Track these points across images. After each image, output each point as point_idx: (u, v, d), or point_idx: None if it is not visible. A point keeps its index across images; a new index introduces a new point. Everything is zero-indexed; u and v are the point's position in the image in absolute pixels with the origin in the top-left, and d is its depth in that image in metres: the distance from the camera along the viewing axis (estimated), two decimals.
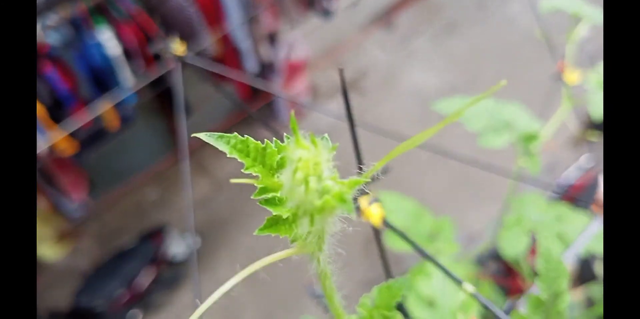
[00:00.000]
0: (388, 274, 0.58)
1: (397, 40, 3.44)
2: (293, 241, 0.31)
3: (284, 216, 0.29)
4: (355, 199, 0.54)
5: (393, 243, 1.12)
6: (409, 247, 1.09)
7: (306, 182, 0.25)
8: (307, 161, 0.25)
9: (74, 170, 2.25)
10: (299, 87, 3.09)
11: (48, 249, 2.59)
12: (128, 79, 1.96)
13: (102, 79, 1.90)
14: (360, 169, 0.31)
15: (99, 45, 1.77)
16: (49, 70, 1.71)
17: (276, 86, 2.95)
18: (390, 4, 3.46)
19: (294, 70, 2.89)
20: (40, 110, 1.77)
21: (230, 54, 2.36)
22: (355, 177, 0.29)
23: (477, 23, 3.50)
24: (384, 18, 3.46)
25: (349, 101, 0.51)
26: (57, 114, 1.85)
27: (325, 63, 3.42)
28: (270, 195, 0.29)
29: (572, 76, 0.79)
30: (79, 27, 1.77)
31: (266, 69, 2.71)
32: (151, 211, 3.09)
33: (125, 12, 1.86)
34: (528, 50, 3.07)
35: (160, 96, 2.31)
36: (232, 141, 0.31)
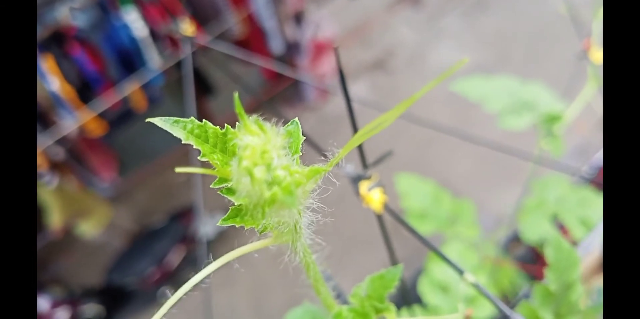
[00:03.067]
0: (393, 260, 0.57)
1: (425, 19, 3.37)
2: (262, 231, 0.29)
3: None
4: (356, 184, 0.52)
5: (414, 227, 1.10)
6: (427, 231, 1.08)
7: (250, 172, 0.22)
8: (254, 148, 0.23)
9: (104, 150, 2.29)
10: (325, 67, 3.06)
11: (82, 227, 2.66)
12: (154, 60, 1.97)
13: (129, 60, 1.91)
14: (325, 156, 0.28)
15: (125, 27, 1.77)
16: (77, 52, 1.73)
17: (302, 66, 2.93)
18: None
19: (320, 50, 2.86)
20: (70, 91, 1.79)
21: (255, 34, 2.34)
22: (318, 166, 0.27)
23: (507, 1, 3.39)
24: None
25: (345, 83, 0.49)
26: (86, 95, 1.88)
27: (351, 42, 3.37)
28: (230, 184, 0.27)
29: (598, 54, 0.75)
30: (105, 9, 1.77)
31: (292, 49, 2.68)
32: (180, 190, 3.13)
33: None
34: (558, 29, 2.97)
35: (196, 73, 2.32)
36: (189, 126, 0.28)
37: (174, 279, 2.90)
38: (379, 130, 0.26)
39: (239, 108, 0.24)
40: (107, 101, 1.93)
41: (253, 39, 2.36)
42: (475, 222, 1.11)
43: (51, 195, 2.27)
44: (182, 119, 0.29)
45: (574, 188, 0.96)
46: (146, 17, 1.83)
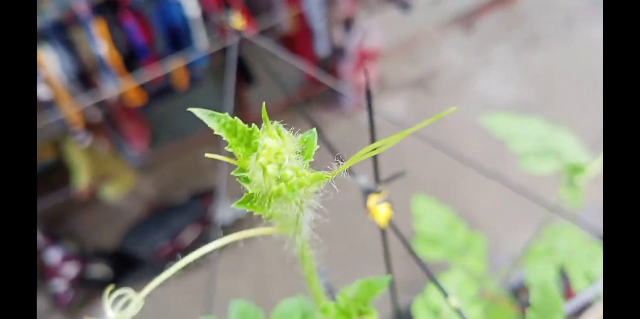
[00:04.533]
0: (389, 272, 0.57)
1: (475, 45, 3.32)
2: (268, 219, 0.33)
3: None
4: (365, 196, 0.53)
5: (422, 251, 1.08)
6: (435, 257, 1.06)
7: (264, 167, 0.27)
8: (270, 148, 0.27)
9: (139, 120, 2.34)
10: (368, 76, 3.05)
11: (106, 190, 2.71)
12: (202, 41, 2.00)
13: (178, 37, 1.95)
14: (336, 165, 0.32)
15: (178, 5, 1.81)
16: (129, 21, 1.77)
17: (344, 72, 2.93)
18: (474, 6, 3.33)
19: (365, 58, 2.86)
20: (116, 58, 1.84)
21: (303, 33, 2.35)
22: (326, 173, 0.30)
23: (560, 40, 3.32)
24: (465, 20, 3.35)
25: (372, 103, 0.50)
26: (131, 64, 1.92)
27: (397, 56, 3.36)
28: (247, 174, 0.31)
29: None
30: None
31: (337, 53, 2.69)
32: (207, 171, 3.16)
33: None
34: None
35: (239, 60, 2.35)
36: (222, 120, 0.32)
37: (185, 256, 2.91)
38: (382, 150, 0.30)
39: (264, 114, 0.29)
40: (150, 73, 1.97)
41: (300, 38, 2.37)
42: (483, 257, 1.08)
43: (82, 154, 2.33)
44: (217, 113, 0.32)
45: (585, 242, 0.93)
46: (200, 1, 1.87)
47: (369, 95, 0.49)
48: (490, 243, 1.21)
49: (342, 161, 0.32)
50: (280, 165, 0.27)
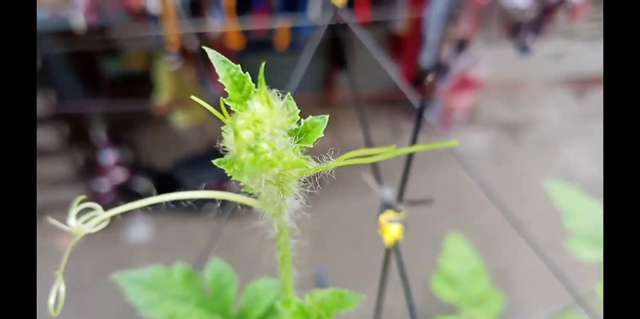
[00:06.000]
0: (380, 295, 0.54)
1: (579, 112, 3.11)
2: (245, 189, 0.30)
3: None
4: (382, 209, 0.50)
5: (438, 288, 1.03)
6: (451, 298, 1.01)
7: (238, 131, 0.24)
8: (254, 114, 0.24)
9: None
10: (461, 102, 2.94)
11: (178, 115, 2.81)
12: (315, 12, 2.00)
13: (295, 0, 1.96)
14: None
15: None
16: None
17: (439, 90, 2.84)
18: (594, 75, 3.11)
19: (465, 84, 2.75)
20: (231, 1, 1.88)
21: (413, 38, 2.29)
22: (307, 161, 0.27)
23: None
24: (579, 84, 3.13)
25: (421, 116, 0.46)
26: (243, 9, 1.96)
27: (497, 94, 3.21)
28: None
29: None
30: None
31: (438, 70, 2.60)
32: None
33: None
34: None
35: (334, 41, 2.34)
36: (232, 70, 0.29)
37: (223, 202, 2.96)
38: (375, 159, 0.26)
39: (261, 76, 0.27)
40: (257, 24, 2.00)
41: (409, 42, 2.31)
42: (495, 316, 1.01)
43: (168, 75, 2.42)
44: (231, 62, 0.29)
45: None
46: None
47: (421, 108, 0.45)
48: (507, 305, 1.13)
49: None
50: (257, 134, 0.25)
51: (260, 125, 0.24)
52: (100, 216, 0.29)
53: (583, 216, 0.86)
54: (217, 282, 0.45)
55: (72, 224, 0.27)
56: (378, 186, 0.54)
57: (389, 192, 0.52)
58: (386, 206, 0.51)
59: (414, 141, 0.46)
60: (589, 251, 0.82)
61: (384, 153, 0.25)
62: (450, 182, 2.95)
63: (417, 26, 2.23)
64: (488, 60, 2.65)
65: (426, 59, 2.41)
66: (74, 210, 0.28)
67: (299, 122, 0.27)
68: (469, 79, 2.70)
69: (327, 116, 0.28)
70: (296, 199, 0.30)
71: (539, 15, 2.18)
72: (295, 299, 0.37)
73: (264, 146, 0.24)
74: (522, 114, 3.16)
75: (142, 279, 0.42)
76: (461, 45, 2.48)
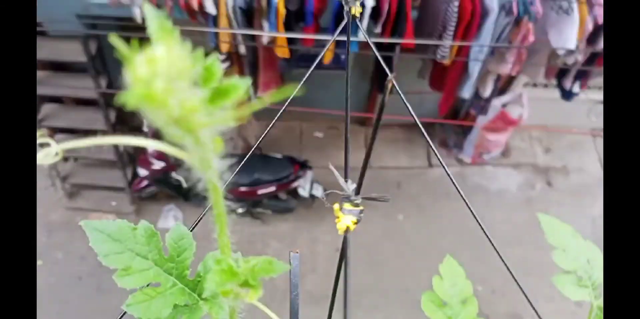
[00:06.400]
0: (336, 282, 0.56)
1: None
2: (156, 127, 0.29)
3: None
4: (341, 201, 0.52)
5: (425, 307, 1.03)
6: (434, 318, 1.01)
7: (134, 66, 0.25)
8: (154, 55, 0.25)
9: (275, 71, 2.44)
10: (496, 139, 2.91)
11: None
12: (362, 28, 2.04)
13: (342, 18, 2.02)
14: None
15: None
16: None
17: (477, 123, 2.83)
18: None
19: (504, 121, 2.73)
20: (282, 12, 1.95)
21: (457, 67, 2.30)
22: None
23: None
24: None
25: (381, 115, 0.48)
26: (293, 21, 2.03)
27: (536, 135, 3.16)
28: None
29: None
30: None
31: (476, 102, 2.60)
32: (310, 144, 3.25)
33: None
34: None
35: (379, 63, 2.38)
36: (164, 24, 0.28)
37: (252, 204, 2.98)
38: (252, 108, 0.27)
39: (165, 27, 0.27)
40: (305, 35, 2.06)
41: (452, 71, 2.32)
42: None
43: None
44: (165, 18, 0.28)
45: None
46: None
47: (381, 110, 0.47)
48: None
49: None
50: (153, 72, 0.25)
51: (158, 64, 0.25)
52: (54, 149, 0.33)
53: (575, 254, 0.85)
54: (176, 245, 0.46)
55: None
56: (340, 177, 0.56)
57: (350, 184, 0.55)
58: (345, 198, 0.54)
59: (373, 139, 0.48)
60: (575, 290, 0.81)
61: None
62: (480, 214, 2.88)
63: (461, 55, 2.24)
64: (530, 100, 2.62)
65: (465, 90, 2.41)
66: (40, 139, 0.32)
67: (208, 75, 0.29)
68: (508, 117, 2.68)
69: (250, 81, 0.30)
70: (224, 158, 0.31)
71: (589, 59, 2.15)
72: (228, 260, 0.38)
73: (158, 84, 0.25)
74: (560, 158, 3.09)
75: (106, 230, 0.45)
76: (504, 82, 2.47)
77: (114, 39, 0.26)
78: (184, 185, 2.98)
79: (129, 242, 0.45)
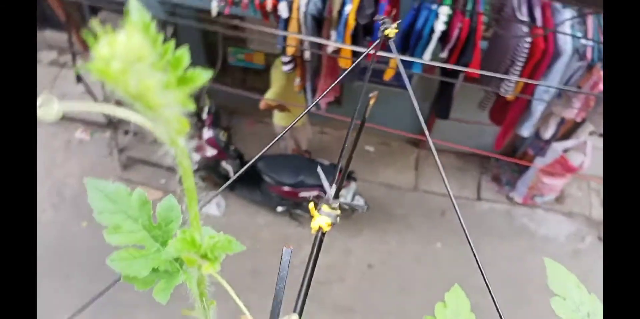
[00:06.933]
0: (309, 282, 0.59)
1: None
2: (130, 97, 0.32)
3: None
4: (321, 201, 0.56)
5: None
6: None
7: (95, 44, 0.28)
8: (116, 39, 0.29)
9: (334, 81, 2.47)
10: (552, 183, 2.83)
11: (277, 115, 2.96)
12: (427, 54, 2.07)
13: (411, 39, 2.05)
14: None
15: (434, 16, 1.88)
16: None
17: (535, 164, 2.77)
18: None
19: (562, 166, 2.65)
20: (352, 21, 1.99)
21: (519, 104, 2.27)
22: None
23: None
24: None
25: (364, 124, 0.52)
26: (359, 36, 2.05)
27: (594, 186, 3.04)
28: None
29: None
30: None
31: (535, 143, 2.55)
32: (358, 157, 3.22)
33: (472, 7, 1.93)
34: None
35: (442, 87, 2.39)
36: (140, 16, 0.32)
37: (297, 205, 3.06)
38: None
39: (136, 13, 0.31)
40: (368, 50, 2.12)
41: (513, 106, 2.29)
42: None
43: (279, 75, 2.61)
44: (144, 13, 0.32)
45: None
46: (451, 21, 1.94)
47: (363, 120, 0.51)
48: None
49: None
50: (112, 53, 0.28)
51: (118, 47, 0.28)
52: (56, 108, 0.37)
53: (574, 305, 0.85)
54: (164, 214, 0.49)
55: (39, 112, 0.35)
56: (325, 180, 0.60)
57: (332, 189, 0.57)
58: (325, 200, 0.56)
59: (352, 150, 0.53)
60: None
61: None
62: (522, 257, 2.82)
63: (527, 94, 2.21)
64: (594, 149, 2.54)
65: (525, 129, 2.35)
66: (40, 100, 0.37)
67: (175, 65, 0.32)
68: (568, 163, 2.61)
69: (211, 73, 0.32)
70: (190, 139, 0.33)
71: None
72: (196, 232, 0.41)
73: (115, 62, 0.28)
74: None
75: (105, 190, 0.48)
76: (568, 126, 2.42)
77: (93, 23, 0.29)
78: (231, 175, 3.09)
79: (123, 204, 0.49)
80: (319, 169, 0.61)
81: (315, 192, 2.99)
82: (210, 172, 3.13)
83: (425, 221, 3.14)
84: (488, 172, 3.10)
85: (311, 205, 0.55)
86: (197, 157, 3.02)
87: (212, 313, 0.51)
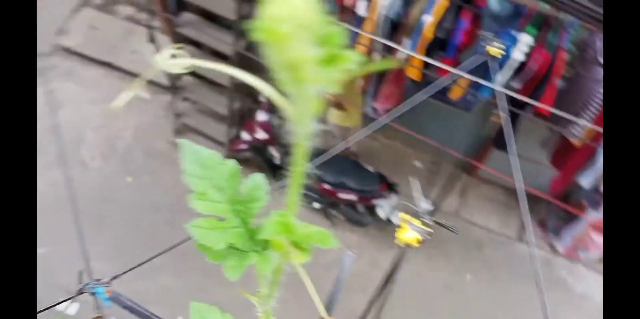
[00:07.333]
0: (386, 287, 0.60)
1: None
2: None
3: None
4: (413, 216, 0.58)
5: None
6: None
7: (270, 6, 0.28)
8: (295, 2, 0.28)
9: (399, 89, 2.42)
10: (600, 240, 2.71)
11: (332, 112, 2.94)
12: (500, 82, 2.05)
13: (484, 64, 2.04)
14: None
15: (513, 41, 1.84)
16: (465, 16, 1.88)
17: (585, 218, 2.70)
18: None
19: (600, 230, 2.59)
20: (429, 33, 1.97)
21: (584, 151, 2.16)
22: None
23: None
24: None
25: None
26: (433, 48, 2.04)
27: None
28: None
29: None
30: (511, 22, 1.88)
31: (592, 194, 2.39)
32: (405, 170, 3.23)
33: (555, 42, 1.88)
34: None
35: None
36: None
37: (334, 205, 3.06)
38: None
39: None
40: (439, 63, 2.12)
41: (579, 154, 2.20)
42: None
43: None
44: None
45: None
46: (531, 53, 1.91)
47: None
48: None
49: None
50: (283, 15, 0.27)
51: (291, 9, 0.27)
52: (182, 63, 0.33)
53: None
54: (251, 191, 0.48)
55: (158, 57, 0.32)
56: (420, 192, 0.61)
57: (425, 204, 0.58)
58: (416, 213, 0.57)
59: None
60: None
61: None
62: (553, 310, 2.74)
63: (595, 142, 2.12)
64: None
65: (586, 178, 2.25)
66: (168, 51, 0.33)
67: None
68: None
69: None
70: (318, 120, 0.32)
71: None
72: (290, 216, 0.40)
73: (285, 24, 0.27)
74: None
75: (199, 153, 0.48)
76: None
77: None
78: (276, 161, 3.12)
79: (213, 172, 0.48)
80: (417, 183, 0.62)
81: (353, 197, 2.97)
82: (257, 155, 3.16)
83: (460, 251, 3.06)
84: (534, 214, 3.05)
85: (403, 214, 0.56)
86: (247, 136, 3.07)
87: (273, 303, 0.50)
